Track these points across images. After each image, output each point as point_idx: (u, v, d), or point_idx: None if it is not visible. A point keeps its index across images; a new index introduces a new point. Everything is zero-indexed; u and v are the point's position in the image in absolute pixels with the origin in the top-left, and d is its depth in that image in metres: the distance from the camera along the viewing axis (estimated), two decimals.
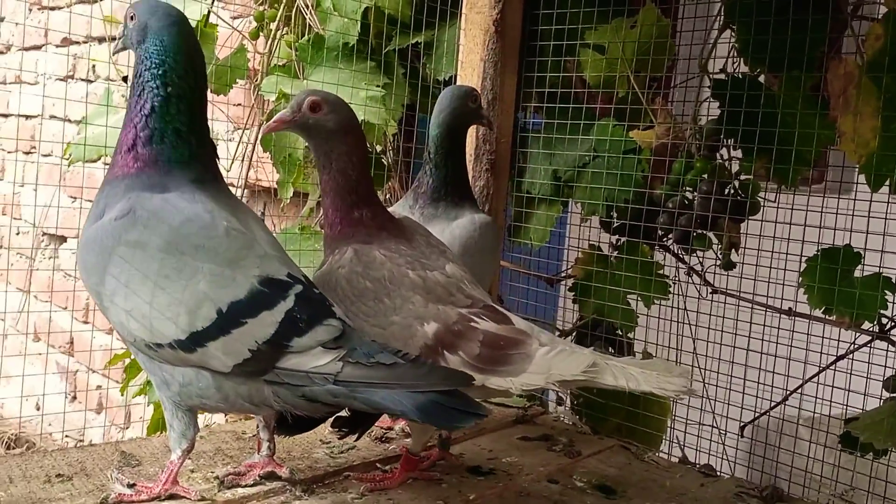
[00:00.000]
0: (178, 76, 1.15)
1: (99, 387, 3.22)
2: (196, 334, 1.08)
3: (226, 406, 1.15)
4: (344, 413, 1.18)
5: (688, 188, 1.74)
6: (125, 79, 1.91)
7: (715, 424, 1.80)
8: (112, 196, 1.13)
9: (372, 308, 1.23)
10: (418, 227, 1.38)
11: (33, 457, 1.33)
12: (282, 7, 2.05)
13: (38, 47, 3.62)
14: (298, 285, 1.12)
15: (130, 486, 1.22)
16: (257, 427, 1.33)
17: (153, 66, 1.14)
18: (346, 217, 1.30)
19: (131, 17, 1.16)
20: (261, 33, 2.13)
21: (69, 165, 2.09)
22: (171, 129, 1.14)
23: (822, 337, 1.63)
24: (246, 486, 1.28)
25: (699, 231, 1.72)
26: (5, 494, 1.20)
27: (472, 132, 1.83)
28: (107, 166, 2.25)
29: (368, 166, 1.38)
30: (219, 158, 1.22)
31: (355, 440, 1.37)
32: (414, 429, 1.38)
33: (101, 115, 2.05)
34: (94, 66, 3.29)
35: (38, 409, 3.37)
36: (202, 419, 1.70)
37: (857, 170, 1.56)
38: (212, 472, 1.33)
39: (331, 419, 1.19)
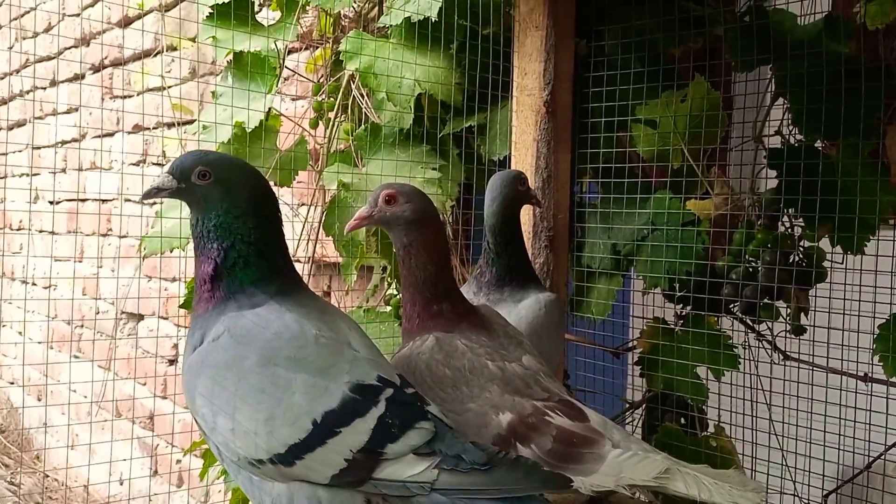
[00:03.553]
0: (260, 215, 1.19)
1: (178, 461, 3.30)
2: (294, 447, 1.08)
3: None
4: None
5: (750, 258, 1.72)
6: None
7: (796, 493, 1.75)
8: (207, 326, 1.16)
9: (450, 395, 1.25)
10: (496, 317, 1.39)
11: None
12: (339, 97, 2.12)
13: (110, 134, 3.81)
14: (389, 389, 1.12)
15: None
16: None
17: (236, 215, 1.17)
18: (424, 311, 1.32)
19: (203, 175, 1.17)
20: (320, 122, 2.21)
21: (143, 259, 2.18)
22: (255, 255, 1.17)
23: None
24: None
25: (766, 301, 1.69)
26: None
27: (527, 210, 1.86)
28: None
29: (448, 258, 1.39)
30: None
31: None
32: None
33: (174, 208, 2.14)
34: (163, 151, 3.44)
35: (121, 484, 3.47)
36: None
37: None
38: None
39: None
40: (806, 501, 1.75)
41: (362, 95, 2.08)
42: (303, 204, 2.60)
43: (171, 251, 2.14)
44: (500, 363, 1.28)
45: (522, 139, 1.88)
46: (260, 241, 1.18)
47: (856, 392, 1.66)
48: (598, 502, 1.76)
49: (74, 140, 4.10)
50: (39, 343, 4.30)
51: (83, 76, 3.95)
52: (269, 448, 1.09)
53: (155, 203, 3.41)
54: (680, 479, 1.14)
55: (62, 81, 4.14)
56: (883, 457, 1.66)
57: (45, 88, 4.27)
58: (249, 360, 1.10)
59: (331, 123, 2.18)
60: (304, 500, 1.11)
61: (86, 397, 3.78)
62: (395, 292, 2.18)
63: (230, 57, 2.01)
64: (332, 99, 2.17)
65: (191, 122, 2.77)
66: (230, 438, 1.11)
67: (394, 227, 1.33)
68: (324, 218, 2.08)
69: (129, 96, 3.62)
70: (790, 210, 1.68)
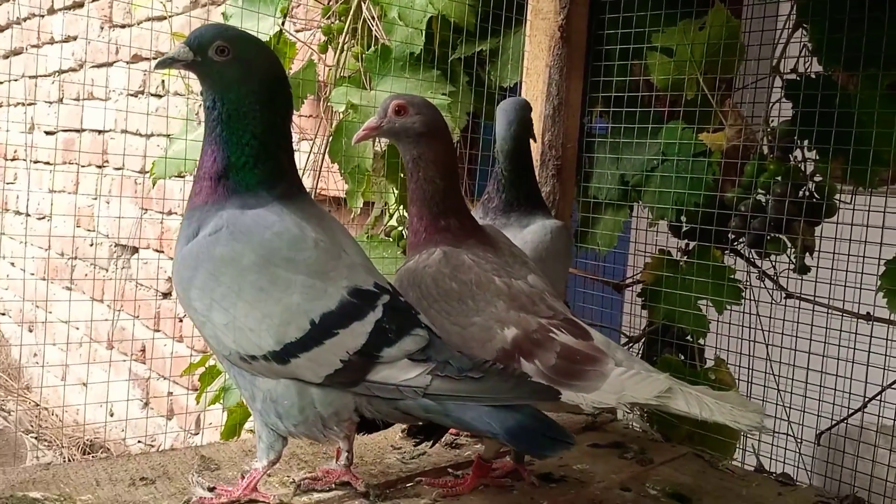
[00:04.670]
0: (274, 108, 1.15)
1: (170, 393, 3.30)
2: (290, 345, 1.09)
3: (305, 427, 1.14)
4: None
5: (760, 191, 1.71)
6: None
7: (791, 432, 1.76)
8: (204, 219, 1.14)
9: (455, 308, 1.24)
10: (502, 237, 1.38)
11: (118, 461, 1.37)
12: (349, 20, 2.08)
13: (108, 64, 3.74)
14: (386, 295, 1.13)
15: (211, 489, 1.24)
16: None
17: (252, 101, 1.13)
18: (431, 225, 1.31)
19: (221, 51, 1.12)
20: (329, 46, 2.17)
21: (153, 184, 2.15)
22: (264, 154, 1.15)
23: None
24: (321, 490, 1.29)
25: (773, 234, 1.68)
26: (93, 497, 1.24)
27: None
28: (181, 180, 2.33)
29: (457, 173, 1.37)
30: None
31: (430, 447, 1.38)
32: None
33: (186, 131, 2.11)
34: (163, 82, 3.39)
35: (111, 415, 3.47)
36: None
37: None
38: (288, 477, 1.35)
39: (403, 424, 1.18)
40: (800, 440, 1.75)
41: (373, 17, 2.04)
42: (304, 139, 2.57)
43: (180, 174, 2.12)
44: (506, 279, 1.28)
45: (534, 65, 1.85)
46: (271, 139, 1.15)
47: (856, 333, 1.66)
48: (594, 429, 1.77)
49: (72, 70, 4.03)
50: (32, 275, 4.27)
51: (82, 4, 3.87)
52: (262, 344, 1.09)
53: (153, 135, 3.39)
54: (682, 398, 1.14)
55: (60, 10, 4.06)
56: (879, 397, 1.66)
57: (42, 16, 4.19)
58: (248, 258, 1.10)
59: (339, 47, 2.14)
60: (296, 397, 1.11)
61: (78, 329, 3.77)
62: (396, 224, 2.17)
63: None
64: (341, 22, 2.14)
65: None
66: (223, 332, 1.11)
67: (402, 138, 1.30)
68: (329, 144, 2.05)
69: (128, 25, 3.55)
70: (804, 142, 1.66)
